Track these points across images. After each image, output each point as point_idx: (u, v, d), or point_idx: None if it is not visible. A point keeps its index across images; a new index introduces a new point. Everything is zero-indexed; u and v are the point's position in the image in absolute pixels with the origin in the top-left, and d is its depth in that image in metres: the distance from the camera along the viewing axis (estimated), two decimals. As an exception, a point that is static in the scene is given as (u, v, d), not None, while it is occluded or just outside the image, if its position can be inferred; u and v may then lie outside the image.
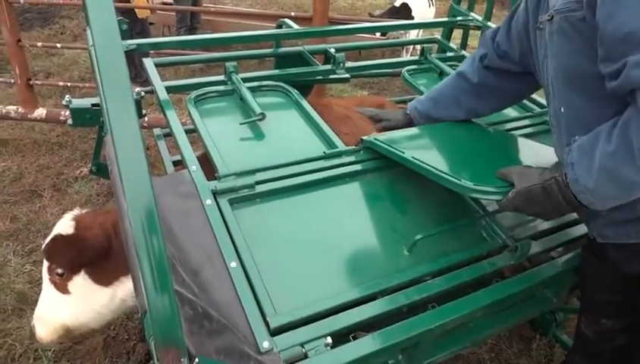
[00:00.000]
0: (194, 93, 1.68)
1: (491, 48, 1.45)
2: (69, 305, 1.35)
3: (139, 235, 0.60)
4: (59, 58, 5.32)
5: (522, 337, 2.25)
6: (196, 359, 0.72)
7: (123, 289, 1.36)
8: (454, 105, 1.55)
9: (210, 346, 0.87)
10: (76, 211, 1.42)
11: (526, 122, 1.80)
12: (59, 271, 1.33)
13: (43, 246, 1.39)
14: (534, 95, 1.99)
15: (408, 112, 1.65)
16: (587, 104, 1.07)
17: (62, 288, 1.36)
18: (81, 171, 3.39)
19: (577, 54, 1.04)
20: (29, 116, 3.55)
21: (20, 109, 3.57)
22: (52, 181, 3.28)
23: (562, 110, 1.13)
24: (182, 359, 0.64)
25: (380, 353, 1.03)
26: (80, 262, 1.31)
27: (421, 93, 1.93)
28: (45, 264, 1.37)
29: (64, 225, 1.37)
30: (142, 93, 1.79)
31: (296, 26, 2.17)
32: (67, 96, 1.86)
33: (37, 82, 3.81)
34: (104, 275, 1.34)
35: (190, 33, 5.25)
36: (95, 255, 1.30)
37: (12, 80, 3.62)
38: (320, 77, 2.01)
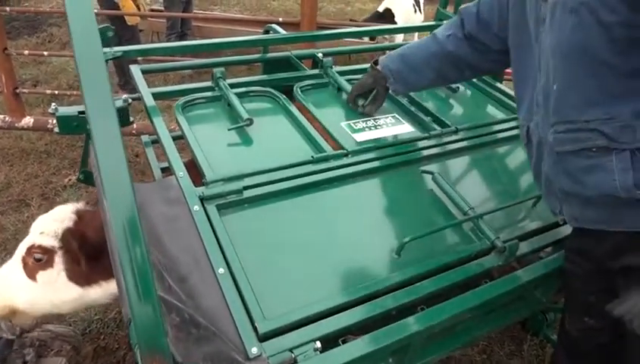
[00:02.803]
0: (182, 100, 1.68)
1: (474, 16, 1.46)
2: (28, 291, 1.30)
3: (121, 243, 0.59)
4: (47, 66, 5.28)
5: (514, 338, 2.25)
6: (182, 367, 0.72)
7: (99, 292, 1.31)
8: (425, 65, 1.57)
9: (197, 353, 0.86)
10: (80, 205, 1.39)
11: (512, 124, 1.81)
12: (38, 256, 1.29)
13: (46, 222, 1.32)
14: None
15: (380, 69, 1.65)
16: (589, 82, 1.04)
17: (30, 272, 1.30)
18: (69, 179, 3.36)
19: (586, 27, 1.00)
20: (16, 125, 3.52)
21: (6, 118, 3.53)
22: (41, 190, 3.24)
23: (554, 87, 1.11)
24: (167, 366, 0.63)
25: (369, 356, 1.03)
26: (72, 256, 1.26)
27: (409, 98, 1.93)
28: (26, 242, 1.32)
29: (65, 214, 1.34)
30: (130, 100, 1.79)
31: (283, 32, 2.18)
32: (53, 104, 1.84)
33: (24, 90, 3.77)
34: (83, 276, 1.30)
35: (181, 40, 5.24)
36: (86, 256, 1.27)
37: (-1, 89, 3.59)
38: (308, 82, 2.01)
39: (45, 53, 3.93)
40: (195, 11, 5.95)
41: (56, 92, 3.91)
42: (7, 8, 3.36)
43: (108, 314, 2.25)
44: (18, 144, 3.73)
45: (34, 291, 1.29)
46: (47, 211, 1.55)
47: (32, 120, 3.52)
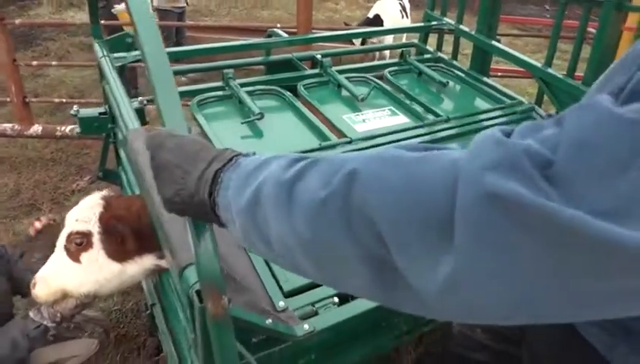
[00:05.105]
0: (196, 98, 1.83)
1: None
2: (75, 274, 1.43)
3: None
4: (44, 79, 5.41)
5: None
6: (230, 305, 0.86)
7: (135, 268, 1.45)
8: None
9: (237, 300, 1.01)
10: (105, 192, 1.52)
11: (498, 113, 1.98)
12: (78, 240, 1.43)
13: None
14: (505, 89, 2.19)
15: None
16: None
17: (74, 256, 1.43)
18: (77, 184, 3.49)
19: None
20: (25, 133, 3.65)
21: (15, 126, 3.66)
22: (50, 195, 3.36)
23: None
24: (223, 297, 0.78)
25: (381, 309, 1.17)
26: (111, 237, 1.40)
27: (403, 93, 2.10)
28: (64, 232, 1.46)
29: (94, 201, 1.47)
30: (145, 102, 1.94)
31: (285, 35, 2.34)
32: (75, 106, 2.00)
33: (33, 99, 3.90)
34: (120, 253, 1.43)
35: (175, 49, 5.41)
36: (123, 237, 1.41)
37: (8, 99, 3.71)
38: (309, 81, 2.18)
39: (54, 63, 4.06)
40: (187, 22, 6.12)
41: (64, 100, 4.04)
42: (17, 21, 3.50)
43: (125, 305, 2.38)
44: (24, 153, 3.86)
45: (81, 272, 1.42)
46: (58, 215, 1.69)
47: (40, 127, 3.65)
